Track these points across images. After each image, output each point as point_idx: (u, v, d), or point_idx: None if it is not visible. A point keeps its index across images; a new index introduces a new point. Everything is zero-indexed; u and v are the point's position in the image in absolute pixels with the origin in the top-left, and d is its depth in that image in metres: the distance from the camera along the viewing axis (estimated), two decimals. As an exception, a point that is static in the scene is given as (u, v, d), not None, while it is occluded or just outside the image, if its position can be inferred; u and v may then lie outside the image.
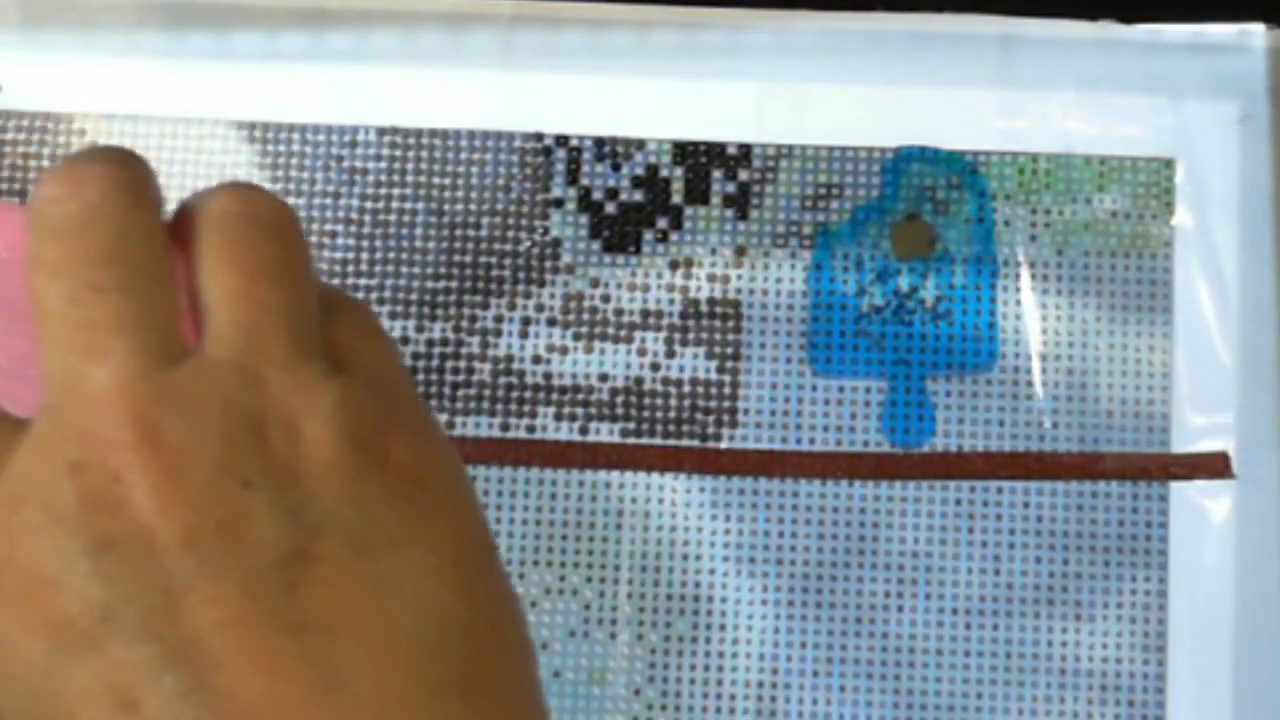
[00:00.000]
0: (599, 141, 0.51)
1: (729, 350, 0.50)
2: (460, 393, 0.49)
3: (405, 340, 0.50)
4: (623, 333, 0.50)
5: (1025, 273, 0.50)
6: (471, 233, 0.50)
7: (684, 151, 0.51)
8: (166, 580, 0.22)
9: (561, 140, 0.51)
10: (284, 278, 0.25)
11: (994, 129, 0.51)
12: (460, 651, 0.23)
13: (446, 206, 0.50)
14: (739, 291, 0.50)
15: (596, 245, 0.50)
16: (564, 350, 0.50)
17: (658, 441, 0.49)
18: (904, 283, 0.50)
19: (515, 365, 0.49)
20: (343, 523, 0.23)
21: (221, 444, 0.22)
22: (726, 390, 0.49)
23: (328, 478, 0.23)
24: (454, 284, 0.50)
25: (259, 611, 0.22)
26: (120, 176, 0.25)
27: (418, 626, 0.23)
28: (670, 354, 0.50)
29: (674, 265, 0.50)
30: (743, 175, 0.50)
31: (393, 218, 0.50)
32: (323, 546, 0.22)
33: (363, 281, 0.50)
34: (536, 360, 0.49)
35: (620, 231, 0.50)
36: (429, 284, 0.50)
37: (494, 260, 0.50)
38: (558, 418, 0.49)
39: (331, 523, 0.23)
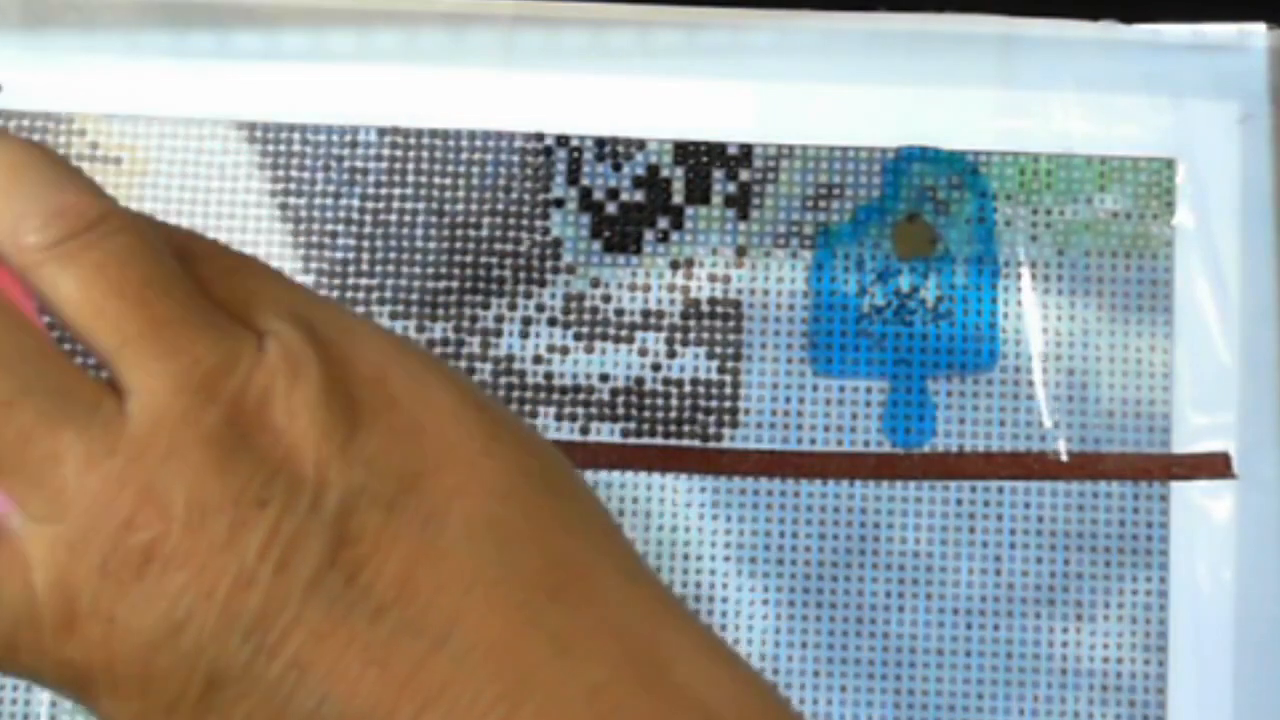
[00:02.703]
0: (600, 141, 0.50)
1: (730, 350, 0.50)
2: (461, 393, 0.49)
3: (406, 340, 0.49)
4: (623, 333, 0.50)
5: (1026, 273, 0.50)
6: (472, 233, 0.50)
7: (685, 151, 0.50)
8: (243, 626, 0.22)
9: (562, 140, 0.51)
10: (154, 283, 0.23)
11: (995, 129, 0.51)
12: (529, 553, 0.23)
13: (447, 206, 0.50)
14: (740, 291, 0.50)
15: (597, 245, 0.50)
16: (565, 350, 0.50)
17: (658, 442, 0.49)
18: (905, 283, 0.50)
19: (516, 365, 0.49)
20: (360, 489, 0.22)
21: (219, 479, 0.22)
22: (727, 390, 0.49)
23: (323, 448, 0.22)
24: (455, 284, 0.50)
25: (335, 616, 0.22)
26: None
27: (477, 549, 0.23)
28: (671, 354, 0.50)
29: (675, 265, 0.50)
30: (743, 175, 0.50)
31: (393, 218, 0.50)
32: (356, 523, 0.22)
33: (363, 281, 0.50)
34: (537, 360, 0.49)
35: (621, 231, 0.50)
36: (430, 284, 0.50)
37: (495, 260, 0.50)
38: (559, 418, 0.49)
39: (350, 495, 0.22)
